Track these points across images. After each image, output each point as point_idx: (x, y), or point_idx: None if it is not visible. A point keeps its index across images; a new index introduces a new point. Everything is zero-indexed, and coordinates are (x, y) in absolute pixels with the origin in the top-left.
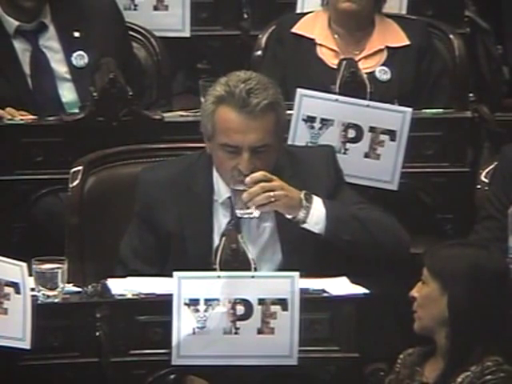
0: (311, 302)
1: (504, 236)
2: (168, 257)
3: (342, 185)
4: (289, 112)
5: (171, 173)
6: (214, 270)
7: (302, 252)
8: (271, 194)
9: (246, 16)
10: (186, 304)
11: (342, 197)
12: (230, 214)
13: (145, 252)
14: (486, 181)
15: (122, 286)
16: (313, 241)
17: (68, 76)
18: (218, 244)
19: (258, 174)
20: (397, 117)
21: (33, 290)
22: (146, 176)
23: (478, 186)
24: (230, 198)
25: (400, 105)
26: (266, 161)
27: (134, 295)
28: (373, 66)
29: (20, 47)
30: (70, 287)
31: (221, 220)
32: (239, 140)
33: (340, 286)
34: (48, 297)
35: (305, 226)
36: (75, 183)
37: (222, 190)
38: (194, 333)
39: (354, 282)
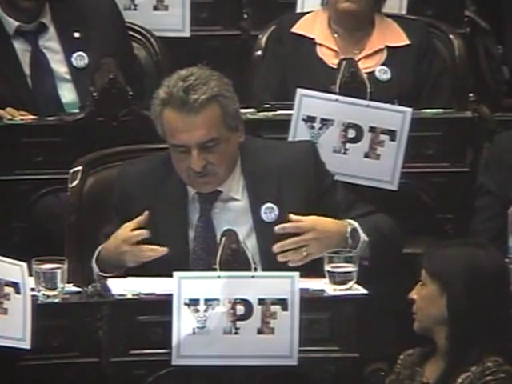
0: (311, 301)
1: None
2: None
3: (329, 182)
4: (289, 112)
5: (148, 167)
6: (214, 269)
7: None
8: (303, 249)
9: (245, 16)
10: (186, 304)
11: (332, 195)
12: (199, 210)
13: None
14: None
15: (122, 286)
16: None
17: (68, 77)
18: (218, 244)
19: (289, 226)
20: (397, 117)
21: (33, 290)
22: (124, 169)
23: None
24: (197, 193)
25: (400, 105)
26: (219, 154)
27: (134, 295)
28: (373, 65)
29: (20, 47)
30: (70, 287)
31: (194, 216)
32: (185, 139)
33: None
34: (48, 297)
35: None
36: (75, 183)
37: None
38: (194, 333)
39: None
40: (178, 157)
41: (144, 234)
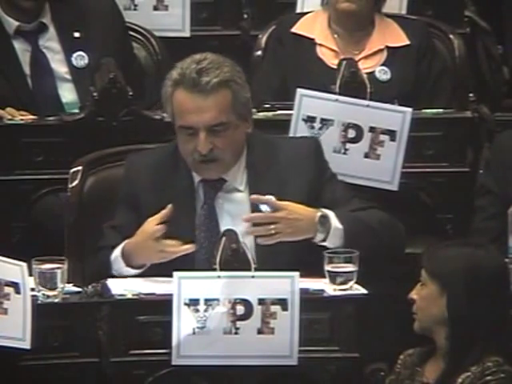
0: (311, 301)
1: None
2: None
3: (329, 178)
4: (289, 112)
5: (157, 157)
6: (214, 269)
7: (276, 254)
8: (271, 226)
9: (245, 16)
10: (186, 304)
11: (331, 190)
12: (203, 198)
13: (125, 230)
14: None
15: (122, 286)
16: (288, 244)
17: (68, 76)
18: (217, 243)
19: (264, 198)
20: (397, 117)
21: (33, 289)
22: (132, 160)
23: None
24: (201, 181)
25: (400, 105)
26: (226, 139)
27: (134, 295)
28: (373, 66)
29: (20, 47)
30: (70, 287)
31: (199, 204)
32: (194, 120)
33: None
34: (48, 297)
35: (322, 244)
36: (75, 183)
37: (195, 174)
38: (194, 333)
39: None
40: (185, 139)
41: (161, 229)
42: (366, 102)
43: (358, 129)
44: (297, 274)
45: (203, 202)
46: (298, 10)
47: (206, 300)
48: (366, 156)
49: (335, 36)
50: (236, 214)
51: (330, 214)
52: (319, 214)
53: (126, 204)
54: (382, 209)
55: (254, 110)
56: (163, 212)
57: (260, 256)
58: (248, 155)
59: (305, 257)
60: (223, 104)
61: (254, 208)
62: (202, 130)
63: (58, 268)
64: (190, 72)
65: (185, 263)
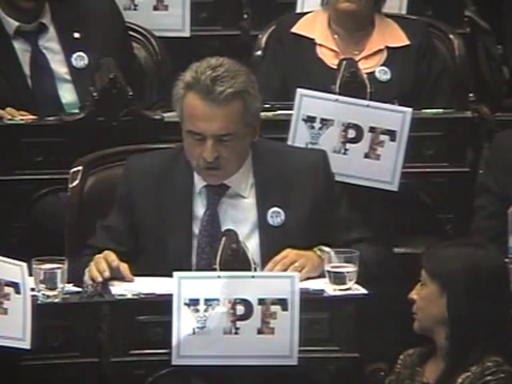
0: (311, 301)
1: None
2: (137, 245)
3: (336, 198)
4: (289, 112)
5: (156, 162)
6: (214, 269)
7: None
8: (296, 264)
9: (245, 16)
10: (186, 304)
11: (333, 215)
12: (206, 204)
13: (115, 232)
14: None
15: (122, 286)
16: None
17: (68, 77)
18: (218, 244)
19: (270, 266)
20: (397, 117)
21: (33, 290)
22: (132, 162)
23: None
24: (205, 186)
25: (400, 105)
26: (232, 149)
27: (134, 295)
28: (373, 66)
29: (20, 48)
30: (70, 287)
31: (199, 209)
32: (203, 128)
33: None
34: (48, 297)
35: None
36: (75, 183)
37: (197, 178)
38: (194, 333)
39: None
40: (192, 143)
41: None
42: (365, 102)
43: (357, 129)
44: (297, 274)
45: (206, 208)
46: (298, 10)
47: (206, 300)
48: (366, 156)
49: (335, 36)
50: (239, 219)
51: (328, 250)
52: (317, 249)
53: (120, 206)
54: (375, 241)
55: None
56: (128, 275)
57: (266, 263)
58: (254, 162)
59: None
60: (233, 115)
61: (260, 215)
62: (210, 138)
63: (58, 268)
64: (204, 78)
65: (182, 266)
